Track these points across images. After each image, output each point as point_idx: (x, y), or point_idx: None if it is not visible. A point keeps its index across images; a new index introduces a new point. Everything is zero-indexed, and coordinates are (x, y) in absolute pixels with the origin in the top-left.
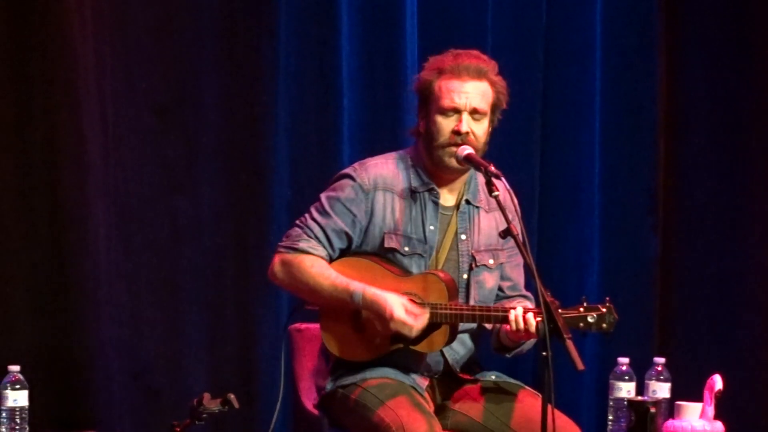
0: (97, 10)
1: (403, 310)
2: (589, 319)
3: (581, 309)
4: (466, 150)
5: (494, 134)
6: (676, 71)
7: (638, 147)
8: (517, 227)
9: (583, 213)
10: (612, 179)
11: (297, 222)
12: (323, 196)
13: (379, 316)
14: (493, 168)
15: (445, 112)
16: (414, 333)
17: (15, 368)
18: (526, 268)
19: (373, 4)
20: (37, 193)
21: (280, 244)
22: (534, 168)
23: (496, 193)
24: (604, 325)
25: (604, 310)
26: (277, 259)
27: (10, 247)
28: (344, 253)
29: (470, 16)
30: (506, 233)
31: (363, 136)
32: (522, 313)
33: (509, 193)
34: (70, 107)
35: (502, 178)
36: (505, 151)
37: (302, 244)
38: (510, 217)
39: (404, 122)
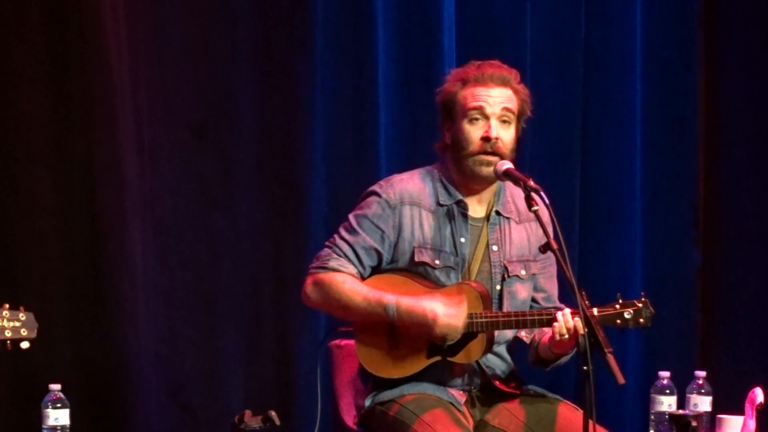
0: (132, 29)
1: (443, 311)
2: (626, 315)
3: (617, 306)
4: (506, 165)
5: (535, 147)
6: (716, 83)
7: (679, 159)
8: (557, 241)
9: (624, 226)
10: (653, 192)
11: (326, 243)
12: (351, 216)
13: (421, 324)
14: (532, 182)
15: (471, 118)
16: (460, 332)
17: (56, 387)
18: (566, 281)
19: (410, 18)
20: (76, 211)
21: (311, 266)
22: (575, 181)
23: (535, 207)
24: (641, 320)
25: (640, 305)
26: (308, 281)
27: (50, 266)
28: (375, 270)
29: (509, 29)
30: (546, 248)
31: (400, 152)
32: (570, 313)
33: (548, 206)
34: (106, 125)
35: (541, 192)
36: (546, 164)
37: (332, 263)
38: (550, 231)
39: (438, 140)
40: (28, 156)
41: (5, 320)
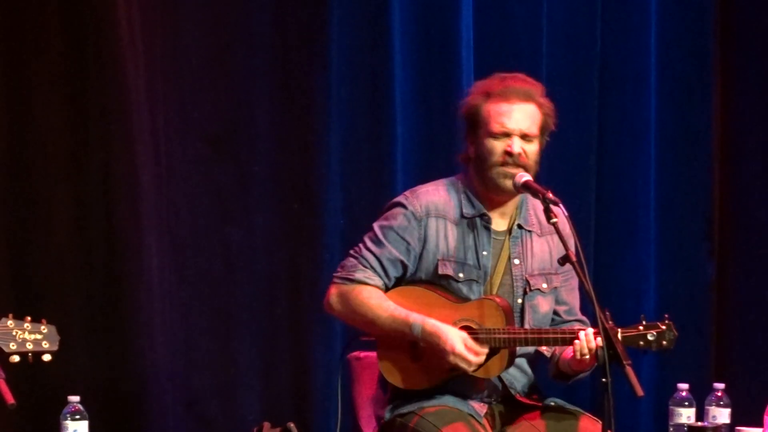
0: (149, 42)
1: (463, 345)
2: (649, 337)
3: (640, 327)
4: (525, 177)
5: (550, 161)
6: (731, 97)
7: (694, 173)
8: (576, 253)
9: (639, 239)
10: (668, 205)
11: (351, 252)
12: (376, 226)
13: (439, 349)
14: (551, 194)
15: (495, 135)
16: (472, 369)
17: (75, 399)
18: (585, 294)
19: (428, 32)
20: (93, 223)
21: (335, 275)
22: (590, 194)
23: (554, 219)
24: (665, 342)
25: (663, 327)
26: (333, 290)
27: (67, 278)
28: (399, 281)
29: (525, 43)
30: (565, 260)
31: (417, 165)
32: (592, 333)
33: (567, 218)
34: (123, 139)
35: (560, 205)
36: (561, 177)
37: (358, 275)
38: (568, 243)
39: (459, 150)
40: (45, 170)
41: (27, 333)
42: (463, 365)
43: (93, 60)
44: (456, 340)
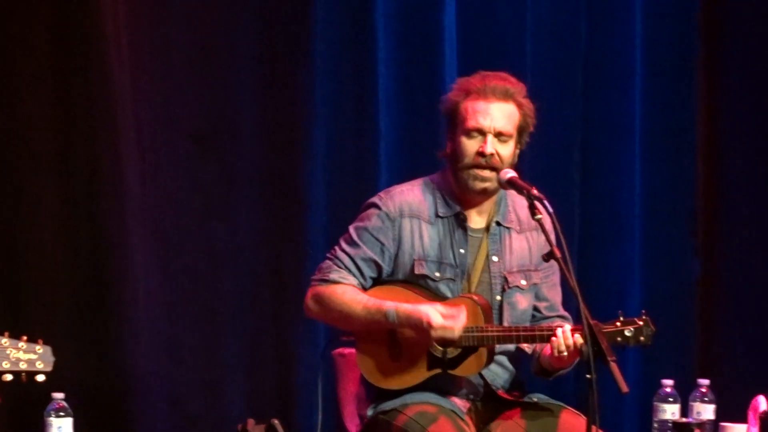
0: (134, 40)
1: (439, 315)
2: (627, 333)
3: (618, 323)
4: (509, 173)
5: (535, 157)
6: (715, 93)
7: (679, 170)
8: (560, 250)
9: (623, 236)
10: (653, 202)
11: (327, 255)
12: (351, 227)
13: (417, 328)
14: (535, 191)
15: (469, 133)
16: (457, 334)
17: (59, 396)
18: (570, 290)
19: (411, 29)
20: (78, 220)
21: (312, 278)
22: (574, 191)
23: (538, 216)
24: (642, 338)
25: (641, 323)
26: (310, 293)
27: (52, 275)
28: (376, 281)
29: (509, 40)
30: (549, 256)
31: (400, 161)
32: (570, 330)
33: (551, 215)
34: (109, 136)
35: (545, 201)
36: (546, 174)
37: (333, 275)
38: (553, 239)
39: (442, 147)
40: (31, 166)
41: (21, 352)
42: (447, 334)
43: (78, 58)
44: (432, 313)
